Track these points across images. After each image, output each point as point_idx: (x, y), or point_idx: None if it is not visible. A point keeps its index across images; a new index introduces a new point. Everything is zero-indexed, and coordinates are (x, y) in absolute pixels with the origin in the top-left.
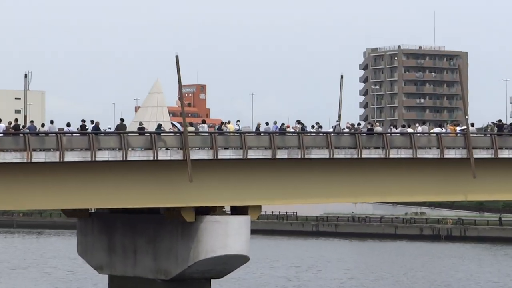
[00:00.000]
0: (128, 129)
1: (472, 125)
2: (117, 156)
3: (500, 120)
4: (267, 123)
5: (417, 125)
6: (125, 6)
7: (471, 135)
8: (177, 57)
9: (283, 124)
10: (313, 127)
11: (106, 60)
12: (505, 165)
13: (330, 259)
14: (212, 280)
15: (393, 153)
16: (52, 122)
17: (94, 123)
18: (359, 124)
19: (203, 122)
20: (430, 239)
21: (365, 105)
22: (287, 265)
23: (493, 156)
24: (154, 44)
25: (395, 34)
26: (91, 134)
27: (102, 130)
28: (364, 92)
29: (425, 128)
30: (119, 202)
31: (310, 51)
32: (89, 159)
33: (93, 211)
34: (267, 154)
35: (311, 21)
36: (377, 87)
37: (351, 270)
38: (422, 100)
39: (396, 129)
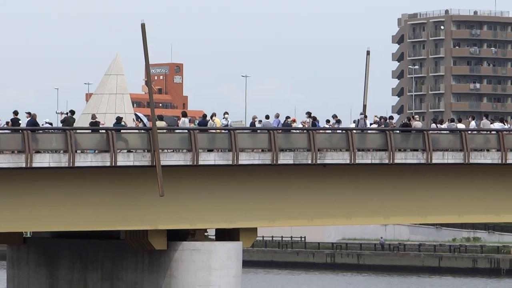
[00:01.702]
0: (76, 124)
1: None
2: (61, 161)
3: None
4: (267, 117)
5: (469, 119)
6: None
7: None
8: (143, 26)
9: (287, 117)
10: (328, 121)
11: (48, 32)
12: None
13: None
14: None
15: (438, 158)
16: None
17: (31, 116)
18: (391, 117)
19: (184, 115)
20: (487, 274)
21: (399, 92)
22: None
23: None
24: (113, 13)
25: None
26: (26, 131)
27: (41, 125)
28: (399, 75)
29: (485, 123)
30: (64, 224)
31: (324, 18)
32: (23, 165)
33: (28, 235)
34: (265, 158)
35: None
36: (417, 67)
37: None
38: (477, 85)
39: (442, 124)
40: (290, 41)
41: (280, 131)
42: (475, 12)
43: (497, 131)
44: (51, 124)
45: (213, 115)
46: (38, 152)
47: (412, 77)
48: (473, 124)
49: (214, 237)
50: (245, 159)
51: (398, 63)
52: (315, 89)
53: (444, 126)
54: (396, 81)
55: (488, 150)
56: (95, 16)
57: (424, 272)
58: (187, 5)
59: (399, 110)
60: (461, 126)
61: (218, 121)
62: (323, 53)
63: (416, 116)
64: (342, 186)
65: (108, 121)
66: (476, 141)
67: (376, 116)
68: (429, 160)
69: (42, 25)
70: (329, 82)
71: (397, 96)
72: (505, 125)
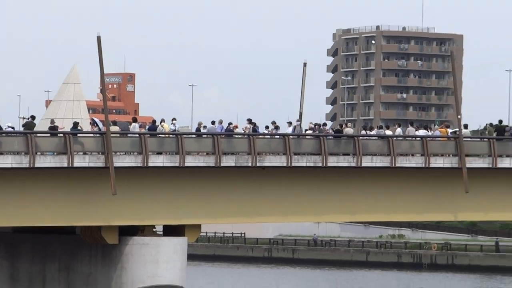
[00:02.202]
0: (36, 128)
1: (466, 127)
2: (22, 162)
3: (500, 121)
4: (212, 122)
5: (396, 126)
6: None
7: (464, 139)
8: (99, 38)
9: (230, 124)
10: (267, 127)
11: (12, 43)
12: (505, 177)
13: None
14: None
15: (367, 161)
16: None
17: None
18: (325, 124)
19: (134, 120)
20: (410, 268)
21: (333, 101)
22: None
23: (490, 166)
24: (71, 26)
25: (373, 13)
26: None
27: (4, 129)
28: (333, 85)
29: (410, 130)
30: (24, 220)
31: (264, 32)
32: None
33: None
34: (210, 161)
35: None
36: (349, 78)
37: None
38: (404, 95)
39: (372, 131)
40: (234, 53)
41: (223, 136)
42: (404, 28)
43: (421, 137)
44: (13, 128)
45: (162, 121)
46: (1, 154)
47: (344, 88)
48: (399, 131)
49: (161, 233)
50: (191, 161)
51: (332, 75)
52: (255, 98)
53: (373, 132)
54: (330, 91)
55: (413, 155)
56: (55, 28)
57: (353, 266)
58: (141, 18)
59: (332, 117)
60: (388, 132)
61: (167, 126)
62: (264, 64)
63: (348, 123)
64: (279, 187)
65: (66, 126)
66: (402, 147)
67: (311, 123)
68: (359, 163)
69: (5, 34)
70: (269, 91)
71: (330, 105)
72: (428, 132)
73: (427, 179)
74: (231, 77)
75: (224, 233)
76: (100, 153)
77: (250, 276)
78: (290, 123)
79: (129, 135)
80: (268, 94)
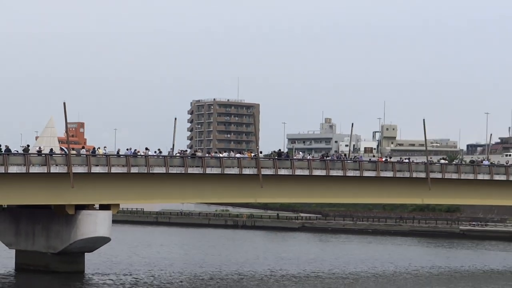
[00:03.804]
0: (30, 151)
1: (261, 152)
2: (22, 169)
3: (279, 149)
4: (128, 149)
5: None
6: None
7: (260, 159)
8: (64, 104)
9: (135, 150)
10: (155, 151)
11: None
12: (283, 179)
13: (163, 241)
14: (85, 254)
15: (209, 170)
16: None
17: (5, 147)
18: (185, 150)
19: (82, 147)
20: (232, 228)
21: (191, 138)
22: (133, 243)
23: (274, 173)
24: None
25: (212, 90)
26: (4, 154)
27: (12, 151)
28: (191, 129)
29: (231, 154)
30: (23, 200)
31: (153, 98)
32: (3, 171)
33: (5, 206)
34: (124, 169)
35: (151, 80)
36: (199, 126)
37: (178, 247)
38: (228, 135)
39: (211, 153)
40: (140, 105)
41: (132, 156)
42: (228, 100)
43: (238, 158)
44: (17, 151)
45: (99, 148)
46: (11, 165)
47: (197, 131)
48: (225, 154)
49: (98, 208)
50: (114, 169)
51: (190, 123)
52: (153, 133)
53: (212, 154)
54: (189, 132)
55: (233, 167)
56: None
57: (200, 227)
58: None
59: (190, 146)
60: (222, 155)
61: (101, 151)
62: (157, 115)
63: (199, 150)
64: (161, 184)
65: (46, 150)
66: (227, 162)
67: (179, 150)
68: (205, 171)
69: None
70: (160, 130)
71: (189, 140)
72: (242, 154)
73: (242, 180)
74: (142, 121)
75: (132, 208)
76: (65, 165)
77: (147, 232)
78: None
79: (81, 155)
80: (160, 133)
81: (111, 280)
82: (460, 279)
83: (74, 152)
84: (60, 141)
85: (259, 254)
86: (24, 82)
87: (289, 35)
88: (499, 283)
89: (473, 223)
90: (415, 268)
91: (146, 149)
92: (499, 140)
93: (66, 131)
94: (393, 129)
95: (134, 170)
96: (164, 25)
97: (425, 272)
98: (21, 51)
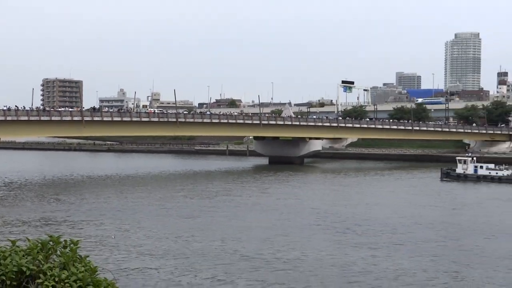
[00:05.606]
0: None
1: (84, 108)
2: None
3: (94, 106)
4: (4, 106)
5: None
6: None
7: (84, 111)
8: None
9: (9, 106)
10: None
11: None
12: (105, 123)
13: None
14: None
15: (52, 118)
16: None
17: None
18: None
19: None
20: (67, 151)
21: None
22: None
23: (94, 119)
24: None
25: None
26: None
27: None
28: (42, 95)
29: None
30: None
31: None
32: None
33: None
34: (2, 118)
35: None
36: (48, 92)
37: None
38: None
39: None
40: None
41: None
42: (64, 78)
43: None
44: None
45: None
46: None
47: None
48: None
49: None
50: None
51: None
52: None
53: None
54: None
55: None
56: None
57: (54, 150)
58: None
59: None
60: None
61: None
62: None
63: None
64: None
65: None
66: None
67: None
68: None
69: None
70: None
71: None
72: None
73: None
74: None
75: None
76: None
77: (17, 154)
78: None
79: None
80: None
81: None
82: (193, 175)
83: None
84: None
85: (84, 165)
86: None
87: None
88: (217, 177)
89: (202, 145)
90: (170, 171)
91: (16, 106)
92: (215, 100)
93: None
94: (159, 94)
95: (9, 118)
96: None
97: (173, 172)
98: None
